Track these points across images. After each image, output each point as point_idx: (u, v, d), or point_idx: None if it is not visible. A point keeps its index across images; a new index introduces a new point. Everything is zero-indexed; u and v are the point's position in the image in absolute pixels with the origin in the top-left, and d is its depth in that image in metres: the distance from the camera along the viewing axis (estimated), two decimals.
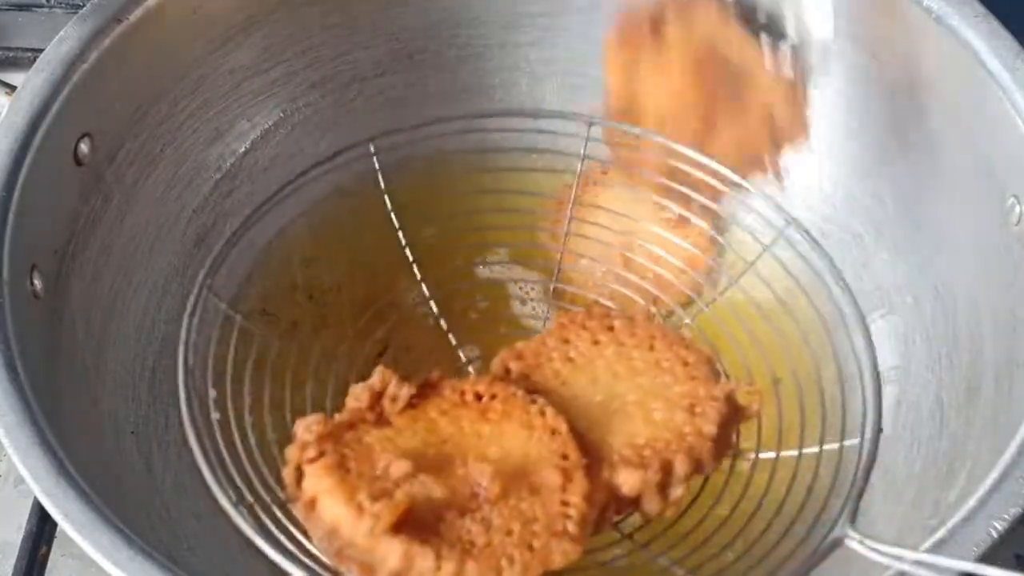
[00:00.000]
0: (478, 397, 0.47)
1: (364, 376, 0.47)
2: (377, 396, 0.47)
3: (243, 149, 0.67)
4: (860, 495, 0.45)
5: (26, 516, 0.59)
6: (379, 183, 0.62)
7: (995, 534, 0.43)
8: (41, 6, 0.78)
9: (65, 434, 0.45)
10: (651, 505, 0.45)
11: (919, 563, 0.41)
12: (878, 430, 0.47)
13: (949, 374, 0.57)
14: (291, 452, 0.45)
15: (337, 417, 0.46)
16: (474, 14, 0.69)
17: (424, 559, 0.40)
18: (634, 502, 0.45)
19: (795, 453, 0.50)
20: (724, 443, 0.47)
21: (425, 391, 0.47)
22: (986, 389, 0.53)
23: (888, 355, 0.60)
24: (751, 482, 0.49)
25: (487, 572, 0.41)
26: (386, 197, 0.63)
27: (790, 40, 0.57)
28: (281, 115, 0.68)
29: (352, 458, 0.44)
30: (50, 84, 0.53)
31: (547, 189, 0.67)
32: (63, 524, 0.43)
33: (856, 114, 0.64)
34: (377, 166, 0.62)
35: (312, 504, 0.43)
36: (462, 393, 0.47)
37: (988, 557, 0.42)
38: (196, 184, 0.65)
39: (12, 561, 0.58)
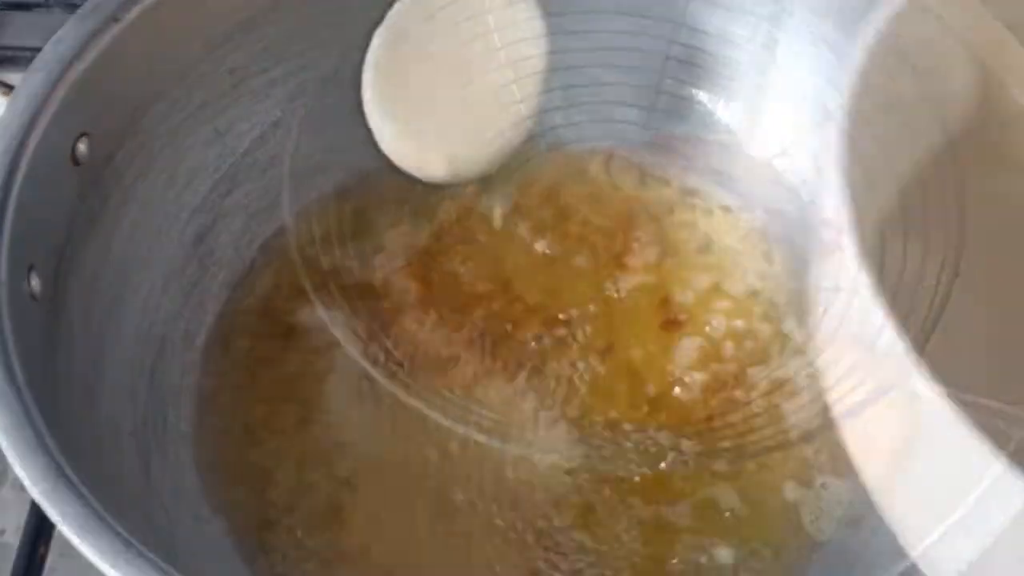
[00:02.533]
0: None
1: None
2: None
3: (243, 149, 0.67)
4: None
5: (24, 517, 0.59)
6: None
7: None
8: (39, 5, 0.78)
9: (63, 435, 0.45)
10: None
11: None
12: None
13: None
14: None
15: None
16: None
17: None
18: None
19: None
20: None
21: None
22: None
23: None
24: None
25: None
26: None
27: None
28: (281, 115, 0.68)
29: None
30: (48, 84, 0.53)
31: None
32: (60, 526, 0.42)
33: None
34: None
35: None
36: None
37: None
38: (195, 184, 0.64)
39: (10, 562, 0.58)
